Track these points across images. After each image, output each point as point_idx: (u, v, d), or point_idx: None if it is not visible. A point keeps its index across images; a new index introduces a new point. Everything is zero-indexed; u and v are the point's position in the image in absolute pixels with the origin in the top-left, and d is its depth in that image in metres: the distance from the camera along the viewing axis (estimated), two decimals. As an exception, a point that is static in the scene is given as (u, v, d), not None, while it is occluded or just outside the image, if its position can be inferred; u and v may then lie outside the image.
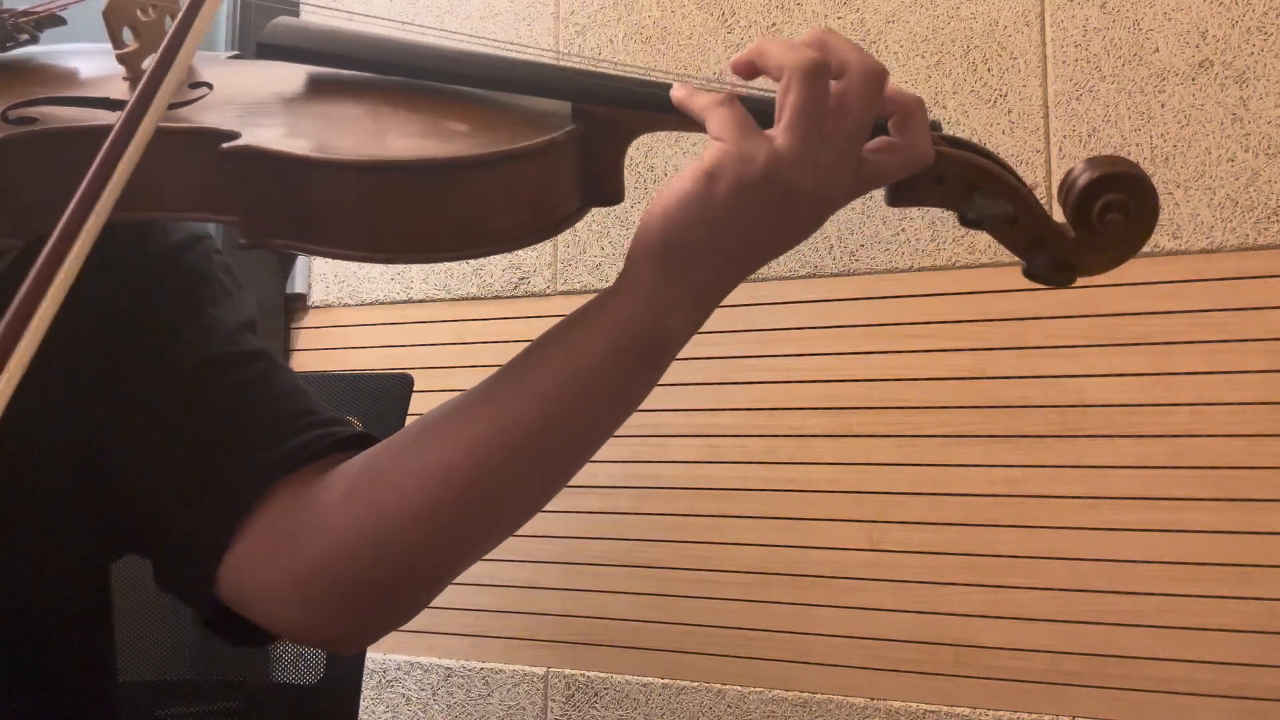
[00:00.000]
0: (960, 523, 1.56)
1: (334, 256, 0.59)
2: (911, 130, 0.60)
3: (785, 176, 0.57)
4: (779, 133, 0.57)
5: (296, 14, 0.68)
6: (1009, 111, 1.58)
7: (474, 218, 0.58)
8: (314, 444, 0.68)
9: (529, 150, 0.58)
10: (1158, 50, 1.51)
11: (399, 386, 1.52)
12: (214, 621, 0.69)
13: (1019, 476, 1.53)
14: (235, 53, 0.72)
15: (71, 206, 0.45)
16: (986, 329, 1.53)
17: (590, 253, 1.84)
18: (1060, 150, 1.55)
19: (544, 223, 0.60)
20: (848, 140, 0.58)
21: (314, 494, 0.66)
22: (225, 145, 0.57)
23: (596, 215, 1.76)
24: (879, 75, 0.58)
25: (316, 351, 2.08)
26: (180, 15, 0.53)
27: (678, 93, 0.60)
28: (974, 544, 1.55)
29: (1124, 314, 1.48)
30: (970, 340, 1.56)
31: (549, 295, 1.87)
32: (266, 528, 0.66)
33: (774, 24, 1.74)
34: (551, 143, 0.59)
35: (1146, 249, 1.63)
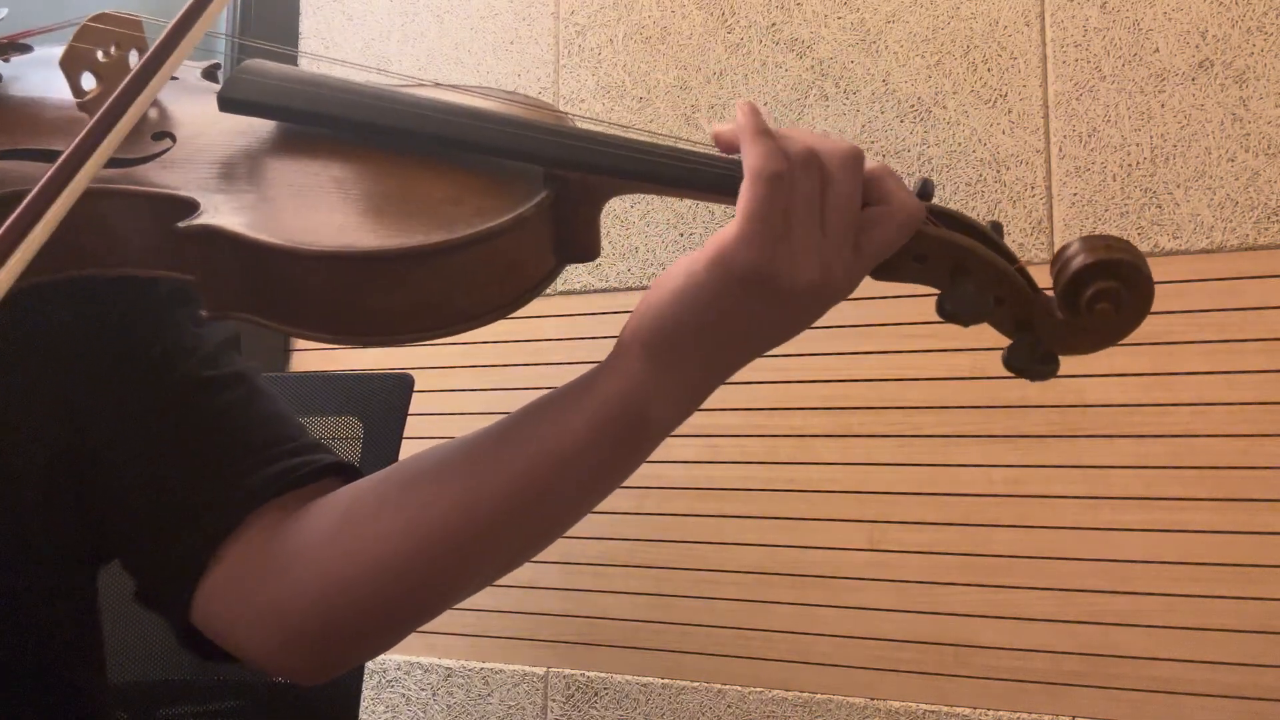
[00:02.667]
0: (960, 523, 1.56)
1: (297, 335, 0.58)
2: (891, 194, 0.59)
3: (784, 271, 0.56)
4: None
5: (295, 55, 0.66)
6: (1009, 111, 1.58)
7: (442, 300, 0.57)
8: (292, 473, 0.68)
9: (495, 230, 0.56)
10: (1158, 50, 1.51)
11: (399, 386, 1.51)
12: (188, 639, 0.69)
13: (1019, 476, 1.53)
14: (214, 62, 0.69)
15: None
16: (987, 329, 1.53)
17: (590, 253, 1.84)
18: (1060, 150, 1.55)
19: (515, 293, 0.59)
20: (842, 230, 0.58)
21: (289, 529, 0.65)
22: (181, 224, 0.55)
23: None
24: (856, 160, 0.58)
25: (316, 351, 2.08)
26: (138, 66, 0.51)
27: (747, 117, 0.58)
28: (974, 544, 1.55)
29: (1124, 314, 1.48)
30: (970, 340, 1.56)
31: (549, 295, 1.87)
32: (241, 558, 0.66)
33: (774, 24, 1.74)
34: (519, 219, 0.57)
35: (1146, 249, 1.63)
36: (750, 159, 0.57)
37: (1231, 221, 1.45)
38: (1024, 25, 1.59)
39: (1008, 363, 0.65)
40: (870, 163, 0.60)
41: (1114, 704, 1.46)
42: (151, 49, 0.52)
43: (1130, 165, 1.51)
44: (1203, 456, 1.44)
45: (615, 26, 1.87)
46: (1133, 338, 1.62)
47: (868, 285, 1.91)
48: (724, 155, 0.61)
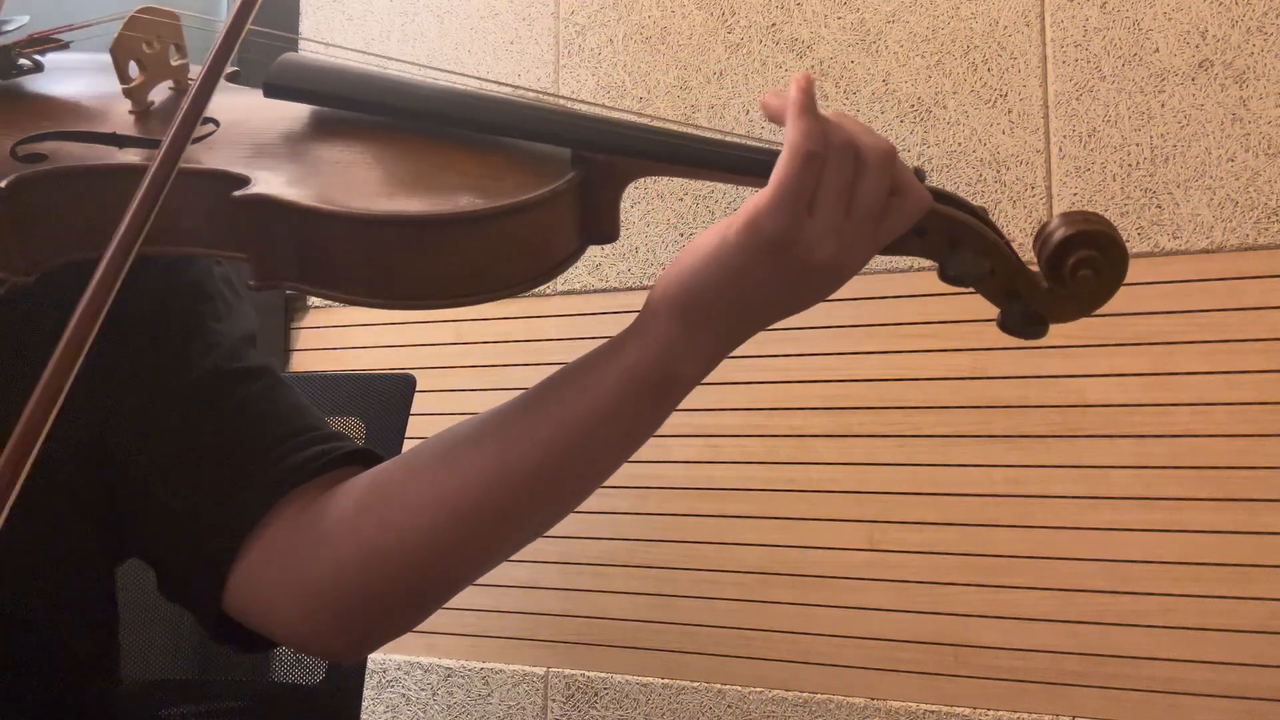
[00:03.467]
0: (960, 523, 1.56)
1: (341, 301, 0.60)
2: (904, 185, 0.63)
3: (804, 244, 0.59)
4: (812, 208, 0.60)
5: (295, 46, 0.68)
6: (1009, 111, 1.58)
7: (479, 267, 0.59)
8: (319, 459, 0.69)
9: (534, 202, 0.59)
10: (1158, 50, 1.51)
11: (401, 387, 1.52)
12: (218, 631, 0.70)
13: (1019, 476, 1.53)
14: (234, 69, 0.72)
15: (111, 250, 0.46)
16: (986, 329, 1.52)
17: (590, 253, 1.83)
18: (1060, 150, 1.55)
19: (546, 266, 0.62)
20: (866, 218, 0.61)
21: (321, 509, 0.67)
22: (237, 193, 0.57)
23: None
24: (890, 157, 0.61)
25: (316, 351, 2.08)
26: (208, 62, 0.53)
27: (798, 94, 0.61)
28: (974, 544, 1.55)
29: (1124, 314, 1.48)
30: (970, 340, 1.56)
31: (549, 295, 1.87)
32: (273, 542, 0.67)
33: (774, 24, 1.74)
34: (554, 193, 0.60)
35: (1146, 249, 1.63)
36: (792, 134, 0.59)
37: (1231, 221, 1.45)
38: (1024, 25, 1.59)
39: (1002, 326, 0.70)
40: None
41: (1114, 704, 1.46)
42: (217, 41, 0.54)
43: (1130, 165, 1.52)
44: (1203, 456, 1.44)
45: (615, 26, 1.87)
46: (1133, 337, 1.62)
47: (867, 285, 1.91)
48: (742, 139, 0.64)
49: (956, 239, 0.66)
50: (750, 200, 0.60)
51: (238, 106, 0.66)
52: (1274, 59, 1.45)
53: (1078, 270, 0.65)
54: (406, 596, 0.67)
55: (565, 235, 0.63)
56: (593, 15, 1.89)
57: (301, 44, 0.70)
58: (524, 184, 0.60)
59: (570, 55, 1.90)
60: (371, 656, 1.86)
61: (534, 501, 0.65)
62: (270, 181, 0.58)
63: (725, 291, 0.61)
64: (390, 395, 1.52)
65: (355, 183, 0.61)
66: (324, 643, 0.69)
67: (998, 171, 1.58)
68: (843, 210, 0.60)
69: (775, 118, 0.62)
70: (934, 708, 1.56)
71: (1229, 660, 1.41)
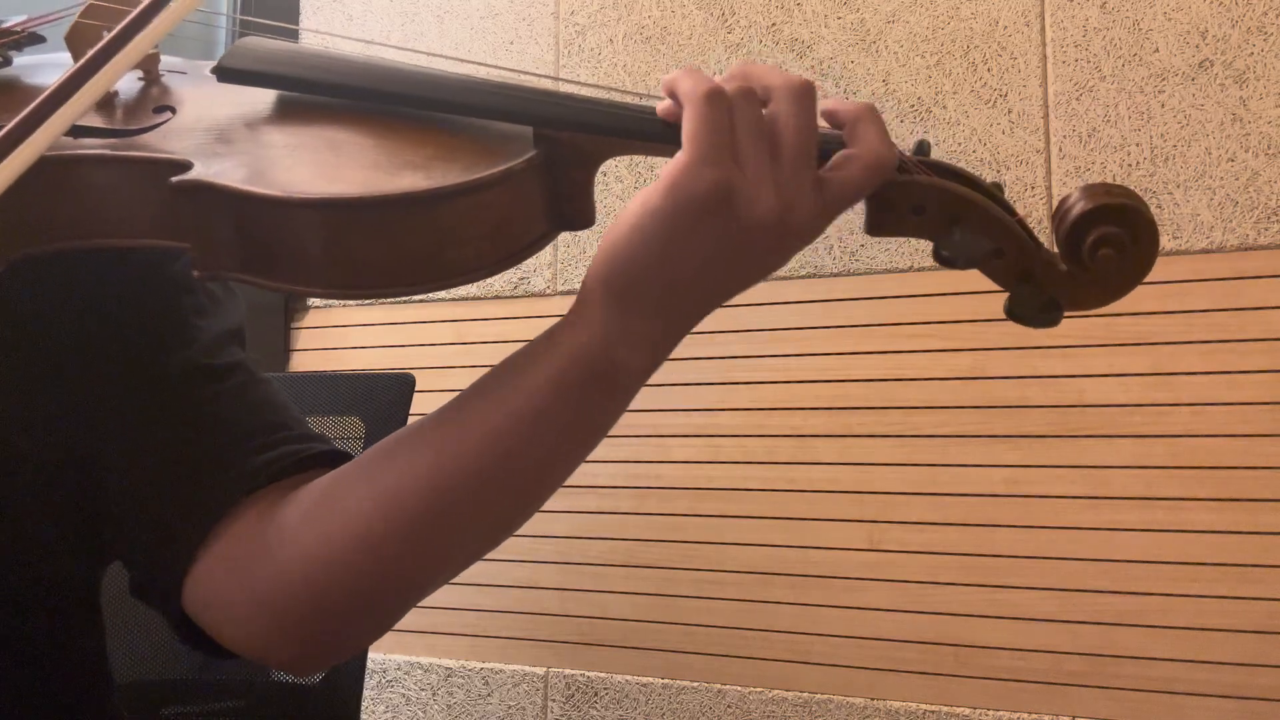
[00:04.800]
0: (960, 523, 1.56)
1: (289, 292, 0.58)
2: (861, 136, 0.59)
3: (739, 198, 0.56)
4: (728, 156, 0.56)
5: (296, 30, 0.67)
6: (1009, 111, 1.58)
7: (429, 252, 0.57)
8: (282, 460, 0.67)
9: (484, 182, 0.56)
10: (1158, 50, 1.51)
11: (401, 387, 1.52)
12: (182, 631, 0.69)
13: (1019, 476, 1.53)
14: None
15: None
16: (986, 329, 1.54)
17: (590, 253, 1.84)
18: (1060, 150, 1.55)
19: (505, 251, 0.59)
20: (795, 158, 0.57)
21: (276, 514, 0.65)
22: (174, 179, 0.56)
23: (598, 214, 1.76)
24: (804, 89, 0.58)
25: (316, 351, 2.08)
26: (117, 28, 0.52)
27: (671, 79, 0.59)
28: (974, 544, 1.55)
29: (1124, 314, 1.48)
30: (970, 340, 1.56)
31: (549, 295, 1.87)
32: (230, 545, 0.65)
33: (774, 24, 1.74)
34: (508, 173, 0.57)
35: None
36: (683, 87, 0.57)
37: (1231, 221, 1.45)
38: (1024, 25, 1.59)
39: (1010, 312, 0.63)
40: (851, 103, 0.60)
41: (1114, 704, 1.46)
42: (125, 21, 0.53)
43: (1130, 165, 1.51)
44: (1203, 456, 1.44)
45: (615, 26, 1.87)
46: (1133, 337, 1.62)
47: (867, 285, 1.90)
48: None
49: (958, 216, 0.61)
50: (669, 163, 0.57)
51: (201, 96, 0.65)
52: (1274, 59, 1.45)
53: (1098, 249, 0.58)
54: (353, 604, 0.63)
55: (528, 218, 0.60)
56: (593, 15, 1.89)
57: (303, 35, 0.70)
58: (476, 164, 0.57)
59: (570, 55, 1.90)
60: (371, 656, 1.86)
61: (476, 500, 0.61)
62: (211, 167, 0.57)
63: (655, 264, 0.57)
64: (390, 395, 1.51)
65: (300, 166, 0.59)
66: (274, 652, 0.66)
67: (998, 171, 1.58)
68: (765, 153, 0.56)
69: (670, 94, 0.60)
70: (934, 708, 1.56)
71: (1229, 660, 1.41)
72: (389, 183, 0.56)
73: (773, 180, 0.56)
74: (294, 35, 0.67)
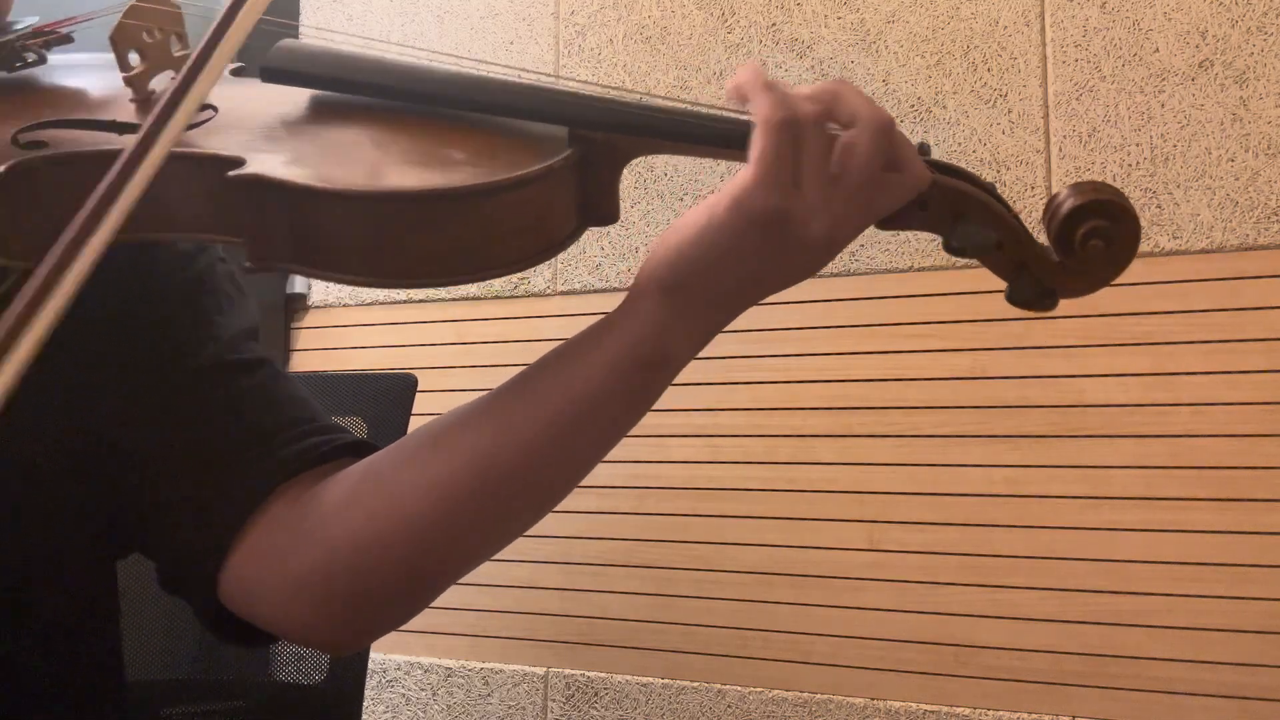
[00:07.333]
0: (960, 523, 1.56)
1: (338, 281, 0.60)
2: (904, 160, 0.62)
3: (794, 222, 0.59)
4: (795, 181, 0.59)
5: (295, 32, 0.68)
6: (1009, 111, 1.59)
7: (475, 244, 0.59)
8: (314, 450, 0.69)
9: (528, 178, 0.59)
10: (1158, 50, 1.51)
11: (402, 387, 1.52)
12: (216, 623, 0.70)
13: (1019, 476, 1.53)
14: (239, 64, 0.72)
15: (78, 223, 0.46)
16: (986, 329, 1.54)
17: (590, 253, 1.84)
18: (1060, 150, 1.56)
19: (542, 245, 0.62)
20: (856, 188, 0.60)
21: (314, 499, 0.67)
22: (231, 173, 0.58)
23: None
24: (886, 126, 0.60)
25: (316, 351, 2.08)
26: (202, 43, 0.53)
27: (747, 74, 0.61)
28: (974, 544, 1.55)
29: (1124, 314, 1.48)
30: (970, 340, 1.56)
31: (549, 295, 1.87)
32: (267, 532, 0.67)
33: (774, 24, 1.74)
34: (549, 169, 0.60)
35: (1146, 249, 1.63)
36: (759, 108, 0.59)
37: (1231, 221, 1.45)
38: (1024, 25, 1.59)
39: (1011, 299, 0.69)
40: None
41: (1114, 704, 1.46)
42: (212, 26, 0.55)
43: (1130, 165, 1.52)
44: (1203, 456, 1.44)
45: (615, 26, 1.87)
46: (1133, 337, 1.62)
47: (867, 285, 1.91)
48: (740, 113, 0.63)
49: (960, 211, 0.65)
50: (735, 177, 0.59)
51: (238, 95, 0.67)
52: (1274, 59, 1.45)
53: (1088, 241, 0.64)
54: (397, 586, 0.66)
55: (563, 214, 0.63)
56: (593, 15, 1.89)
57: (302, 32, 0.70)
58: (519, 161, 0.60)
59: (570, 55, 1.90)
60: (371, 656, 1.86)
61: (526, 485, 0.64)
62: (264, 162, 0.58)
63: (713, 271, 0.61)
64: (391, 395, 1.52)
65: (349, 162, 0.61)
66: (319, 633, 0.69)
67: (998, 171, 1.58)
68: (826, 180, 0.59)
69: (739, 99, 0.61)
70: (934, 708, 1.56)
71: (1229, 660, 1.41)
72: (439, 178, 0.59)
73: (827, 208, 0.59)
74: (294, 33, 0.68)
